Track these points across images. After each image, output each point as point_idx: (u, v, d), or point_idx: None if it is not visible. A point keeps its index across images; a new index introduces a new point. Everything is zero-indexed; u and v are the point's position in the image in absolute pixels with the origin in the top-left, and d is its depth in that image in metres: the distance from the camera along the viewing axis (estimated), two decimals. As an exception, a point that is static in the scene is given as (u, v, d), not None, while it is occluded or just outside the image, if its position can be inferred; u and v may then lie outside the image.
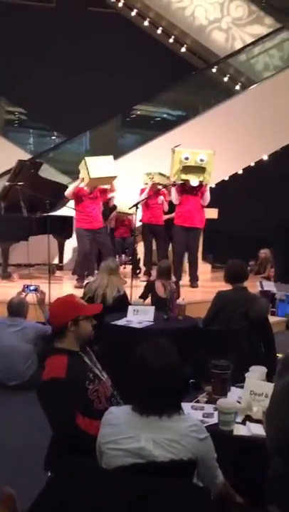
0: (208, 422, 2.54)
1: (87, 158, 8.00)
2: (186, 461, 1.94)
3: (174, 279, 6.39)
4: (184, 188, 8.08)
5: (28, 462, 3.57)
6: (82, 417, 2.49)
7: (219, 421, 2.49)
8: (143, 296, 5.99)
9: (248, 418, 2.59)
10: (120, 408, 2.11)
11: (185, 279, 8.30)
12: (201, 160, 8.05)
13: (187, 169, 8.06)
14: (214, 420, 2.56)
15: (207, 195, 8.14)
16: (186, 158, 8.04)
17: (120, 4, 12.60)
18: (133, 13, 12.63)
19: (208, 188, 8.17)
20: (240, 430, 2.47)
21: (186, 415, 2.08)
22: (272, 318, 7.27)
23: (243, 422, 2.56)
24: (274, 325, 6.85)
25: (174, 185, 8.12)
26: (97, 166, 7.88)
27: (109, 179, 8.02)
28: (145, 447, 1.94)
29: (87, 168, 7.82)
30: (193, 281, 8.20)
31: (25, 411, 4.19)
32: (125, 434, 1.98)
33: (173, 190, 8.13)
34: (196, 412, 2.67)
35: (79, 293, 5.94)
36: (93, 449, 2.10)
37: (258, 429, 2.44)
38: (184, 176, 8.06)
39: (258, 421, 2.54)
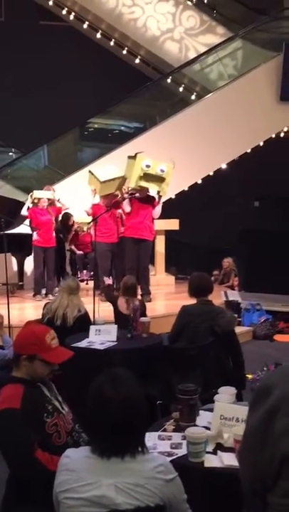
0: (176, 453, 2.36)
1: (91, 169, 8.50)
2: (153, 507, 1.74)
3: (139, 296, 6.20)
4: (137, 199, 7.93)
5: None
6: (41, 452, 2.28)
7: (188, 452, 2.30)
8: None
9: (219, 446, 2.42)
10: (78, 450, 1.89)
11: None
12: (162, 170, 7.94)
13: (147, 177, 7.93)
14: (183, 451, 2.37)
15: (159, 208, 8.04)
16: (148, 166, 7.90)
17: (71, 17, 12.45)
18: (85, 26, 12.49)
19: (161, 201, 8.06)
20: (211, 461, 2.29)
21: (152, 454, 1.88)
22: (238, 329, 7.16)
23: (214, 452, 2.38)
24: (241, 335, 6.77)
25: (123, 198, 8.01)
26: (103, 172, 8.25)
27: (118, 181, 8.22)
28: (106, 495, 1.73)
29: (95, 177, 8.13)
30: (146, 295, 7.90)
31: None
32: (84, 480, 1.76)
33: (126, 200, 7.98)
34: (163, 442, 2.49)
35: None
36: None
37: (230, 460, 2.26)
38: (143, 183, 7.93)
39: (229, 449, 2.36)
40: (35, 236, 8.42)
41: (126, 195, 8.02)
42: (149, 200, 8.00)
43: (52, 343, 2.49)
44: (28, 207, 8.56)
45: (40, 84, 12.40)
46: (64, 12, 12.38)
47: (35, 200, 8.44)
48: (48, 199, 8.46)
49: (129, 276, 6.06)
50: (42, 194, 8.50)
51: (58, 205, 8.73)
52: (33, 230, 8.42)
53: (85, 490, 1.75)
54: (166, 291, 9.35)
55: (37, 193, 8.50)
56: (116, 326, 4.71)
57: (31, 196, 8.52)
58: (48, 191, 8.68)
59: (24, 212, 8.60)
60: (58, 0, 12.24)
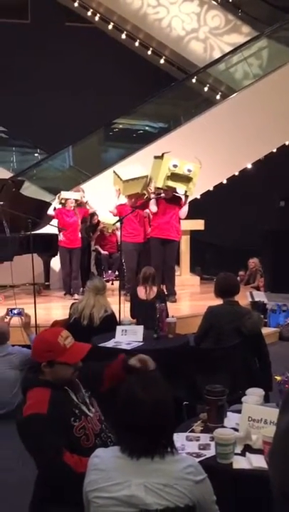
0: (204, 454, 2.36)
1: (115, 169, 8.48)
2: (182, 508, 1.75)
3: (163, 288, 6.32)
4: (164, 199, 7.94)
5: (14, 499, 3.36)
6: (70, 455, 2.30)
7: (217, 453, 2.31)
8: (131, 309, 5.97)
9: (248, 448, 2.41)
10: (108, 450, 1.91)
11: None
12: (189, 170, 7.93)
13: (174, 177, 7.93)
14: (211, 452, 2.37)
15: (186, 208, 8.02)
16: (175, 166, 7.90)
17: (97, 18, 12.52)
18: (110, 27, 12.55)
19: (187, 201, 8.05)
20: (240, 463, 2.29)
21: (181, 455, 1.89)
22: (264, 330, 7.11)
23: (243, 453, 2.38)
24: (267, 336, 6.70)
25: (149, 198, 8.00)
26: (126, 171, 8.24)
27: (142, 181, 8.18)
28: (136, 494, 1.74)
29: (118, 177, 8.12)
30: (171, 295, 7.89)
31: (12, 442, 3.96)
32: (114, 480, 1.78)
33: (152, 200, 7.99)
34: (191, 443, 2.49)
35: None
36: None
37: (259, 461, 2.26)
38: (170, 183, 7.92)
39: (258, 451, 2.36)
40: (60, 237, 8.49)
41: (152, 196, 8.03)
42: (175, 201, 8.00)
43: (66, 343, 2.47)
44: (55, 207, 8.61)
45: (65, 85, 12.51)
46: (89, 13, 12.46)
47: (63, 201, 8.49)
48: (76, 200, 8.50)
49: (148, 266, 6.14)
50: (69, 195, 8.54)
51: (87, 207, 8.74)
52: (60, 231, 8.48)
53: (115, 489, 1.77)
54: (191, 291, 9.34)
55: (64, 194, 8.55)
56: (142, 326, 4.73)
57: (59, 197, 8.58)
58: (76, 192, 8.71)
59: (50, 212, 8.65)
60: (84, 1, 12.33)
